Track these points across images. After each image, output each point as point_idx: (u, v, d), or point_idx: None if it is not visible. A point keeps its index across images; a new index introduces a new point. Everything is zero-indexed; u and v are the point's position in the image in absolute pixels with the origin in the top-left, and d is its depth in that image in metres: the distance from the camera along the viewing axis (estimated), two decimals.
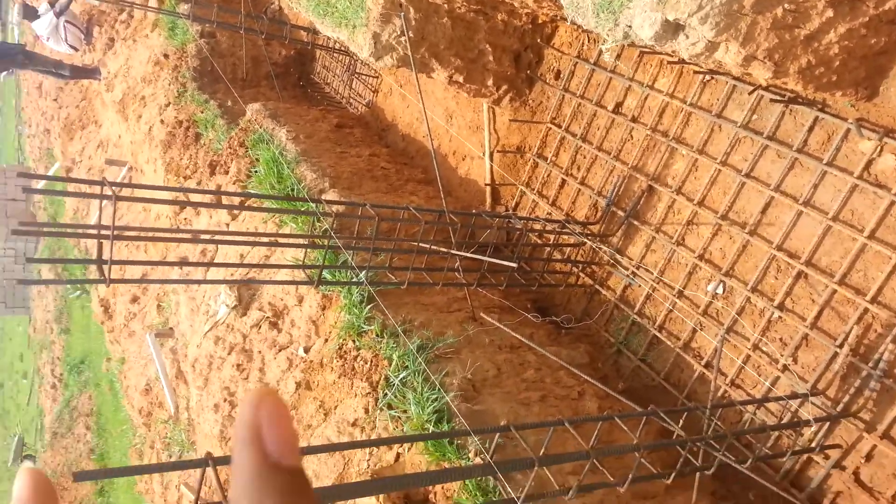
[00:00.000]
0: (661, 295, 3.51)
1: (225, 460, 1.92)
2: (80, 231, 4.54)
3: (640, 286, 3.62)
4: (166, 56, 8.30)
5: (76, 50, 10.42)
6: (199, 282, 4.50)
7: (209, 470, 1.97)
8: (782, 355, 3.01)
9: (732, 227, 3.25)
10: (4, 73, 11.94)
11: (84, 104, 11.55)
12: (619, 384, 3.52)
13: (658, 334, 3.51)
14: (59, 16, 9.67)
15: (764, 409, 3.01)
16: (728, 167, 3.29)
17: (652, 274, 3.54)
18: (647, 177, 3.62)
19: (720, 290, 3.29)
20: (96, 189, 2.82)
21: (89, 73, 10.21)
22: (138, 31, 9.45)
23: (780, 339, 3.07)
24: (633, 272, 3.65)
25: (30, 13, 10.04)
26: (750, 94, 3.19)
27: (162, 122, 7.81)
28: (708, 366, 3.30)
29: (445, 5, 4.20)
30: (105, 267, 2.76)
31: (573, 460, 2.66)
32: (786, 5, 2.34)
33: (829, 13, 2.37)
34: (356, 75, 6.60)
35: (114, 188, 2.69)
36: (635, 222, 3.67)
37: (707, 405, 2.54)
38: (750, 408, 2.97)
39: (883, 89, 2.73)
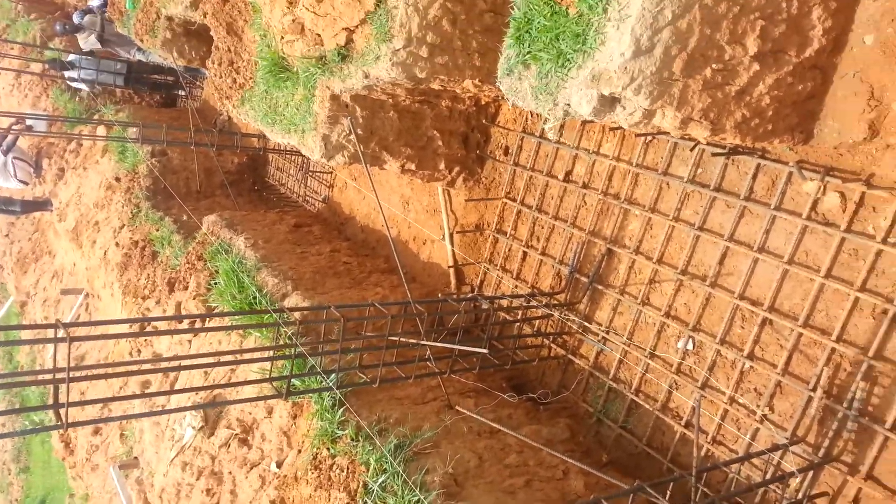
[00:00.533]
0: (633, 358, 3.54)
1: None
2: (31, 379, 4.42)
3: (611, 351, 3.65)
4: (118, 179, 8.47)
5: (26, 184, 10.58)
6: (164, 412, 4.43)
7: None
8: (758, 406, 3.03)
9: (693, 281, 3.34)
10: None
11: (36, 236, 11.61)
12: (603, 456, 3.48)
13: (635, 398, 3.52)
14: (7, 153, 9.88)
15: (748, 465, 3.00)
16: (681, 222, 3.42)
17: (622, 337, 3.59)
18: (605, 240, 3.74)
19: (690, 346, 3.34)
20: (49, 332, 2.82)
21: (40, 205, 10.34)
22: (88, 158, 9.67)
23: (755, 390, 3.11)
24: (603, 338, 3.69)
25: None
26: (691, 150, 3.37)
27: (117, 244, 7.87)
28: (688, 425, 3.30)
29: (390, 100, 4.42)
30: (62, 411, 2.73)
31: None
32: (714, 65, 2.51)
33: (756, 67, 2.55)
34: (310, 173, 6.80)
35: (67, 329, 2.69)
36: (599, 287, 3.75)
37: (692, 471, 2.53)
38: (734, 466, 2.96)
39: (817, 131, 2.90)
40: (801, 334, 2.94)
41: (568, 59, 2.58)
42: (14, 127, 9.30)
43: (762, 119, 2.81)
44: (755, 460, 2.97)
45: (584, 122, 3.91)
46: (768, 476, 2.85)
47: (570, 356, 3.89)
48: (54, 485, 10.65)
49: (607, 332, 3.69)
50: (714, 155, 3.25)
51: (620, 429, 3.58)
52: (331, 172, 6.49)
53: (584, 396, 3.80)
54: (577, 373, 3.85)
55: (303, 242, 5.79)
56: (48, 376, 2.90)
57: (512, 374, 4.10)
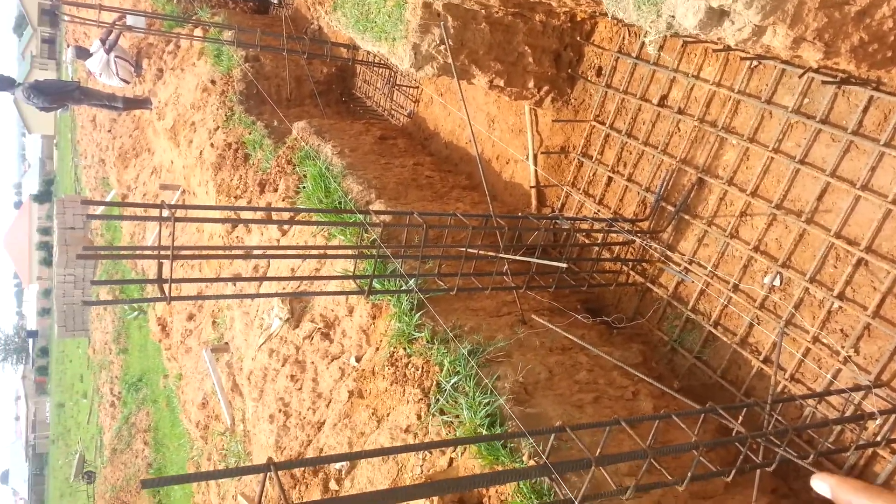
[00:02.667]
0: (715, 290, 3.46)
1: (285, 465, 1.99)
2: (140, 252, 4.78)
3: (693, 282, 3.58)
4: (213, 82, 8.65)
5: (127, 82, 10.96)
6: (253, 296, 4.66)
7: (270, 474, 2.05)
8: (843, 347, 2.93)
9: (788, 217, 3.19)
10: (61, 108, 12.66)
11: (137, 133, 12.11)
12: (675, 383, 3.47)
13: (713, 330, 3.46)
14: (110, 52, 10.21)
15: (825, 404, 2.93)
16: (781, 154, 3.24)
17: (705, 269, 3.50)
18: (697, 169, 3.59)
19: (777, 283, 3.22)
20: (154, 212, 2.99)
21: (141, 103, 10.73)
22: (185, 60, 9.88)
23: (841, 331, 2.99)
24: (685, 268, 3.61)
25: (83, 53, 10.64)
26: (800, 77, 3.14)
27: (212, 145, 8.13)
28: (766, 361, 3.23)
29: (483, 11, 4.27)
30: (166, 285, 2.91)
31: (630, 460, 2.65)
32: None
33: None
34: (397, 87, 6.75)
35: (171, 210, 2.84)
36: (686, 217, 3.64)
37: (767, 400, 2.50)
38: (811, 402, 2.90)
39: None
40: None
41: None
42: (116, 23, 9.57)
43: (882, 44, 2.58)
44: (834, 400, 2.90)
45: (686, 44, 3.69)
46: (847, 416, 2.79)
47: (648, 284, 3.84)
48: (150, 366, 11.54)
49: (690, 263, 3.60)
50: (824, 83, 3.02)
51: (695, 359, 3.55)
52: (417, 87, 6.43)
53: (660, 325, 3.76)
54: (654, 301, 3.80)
55: (387, 154, 5.82)
56: (153, 253, 3.11)
57: (587, 297, 4.09)
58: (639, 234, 3.73)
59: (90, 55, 10.40)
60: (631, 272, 3.92)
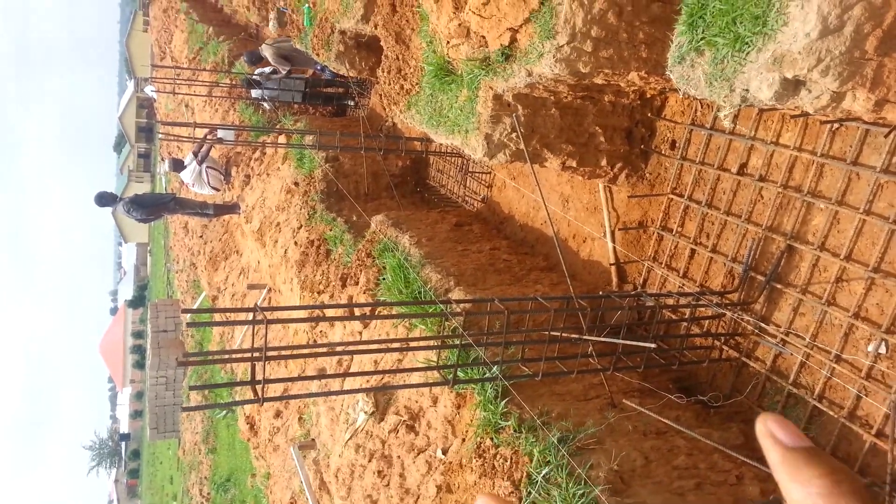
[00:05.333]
0: (816, 361, 3.33)
1: None
2: (234, 357, 5.09)
3: (792, 354, 3.45)
4: (296, 184, 9.30)
5: (218, 190, 11.90)
6: (338, 393, 4.82)
7: None
8: None
9: (887, 279, 3.08)
10: (157, 219, 13.82)
11: (226, 237, 12.98)
12: None
13: (818, 405, 3.30)
14: (202, 163, 11.19)
15: None
16: (873, 216, 3.17)
17: (804, 339, 3.38)
18: (785, 236, 3.55)
19: (882, 350, 3.08)
20: (247, 315, 3.24)
21: (230, 209, 11.58)
22: (270, 165, 10.69)
23: None
24: (782, 340, 3.50)
25: (178, 165, 11.72)
26: (886, 136, 3.11)
27: (296, 243, 8.64)
28: (880, 435, 3.04)
29: (552, 97, 4.49)
30: (259, 387, 3.11)
31: None
32: None
33: None
34: (469, 174, 7.04)
35: (263, 312, 3.08)
36: (778, 286, 3.56)
37: (885, 481, 2.36)
38: None
39: None
40: None
41: (746, 43, 2.52)
42: (208, 137, 10.53)
43: None
44: None
45: (761, 111, 3.74)
46: None
47: (743, 358, 3.73)
48: (238, 465, 11.83)
49: (787, 334, 3.50)
50: None
51: None
52: (489, 172, 6.69)
53: (760, 401, 3.62)
54: (751, 376, 3.68)
55: (463, 241, 6.02)
56: (247, 355, 3.33)
57: (679, 375, 4.00)
58: (729, 307, 3.67)
59: (184, 167, 11.42)
60: (724, 347, 3.83)
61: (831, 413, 3.26)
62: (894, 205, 3.08)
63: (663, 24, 3.61)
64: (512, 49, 4.00)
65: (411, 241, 6.05)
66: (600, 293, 4.28)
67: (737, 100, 2.79)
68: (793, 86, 2.54)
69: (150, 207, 11.56)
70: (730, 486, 3.06)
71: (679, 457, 3.29)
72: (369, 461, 4.87)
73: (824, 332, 3.35)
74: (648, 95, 4.53)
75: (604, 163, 4.66)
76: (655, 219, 4.39)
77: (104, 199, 10.82)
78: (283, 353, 5.04)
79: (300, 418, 6.75)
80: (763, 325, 3.56)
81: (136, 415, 49.12)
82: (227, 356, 6.36)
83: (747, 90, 2.66)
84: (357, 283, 6.61)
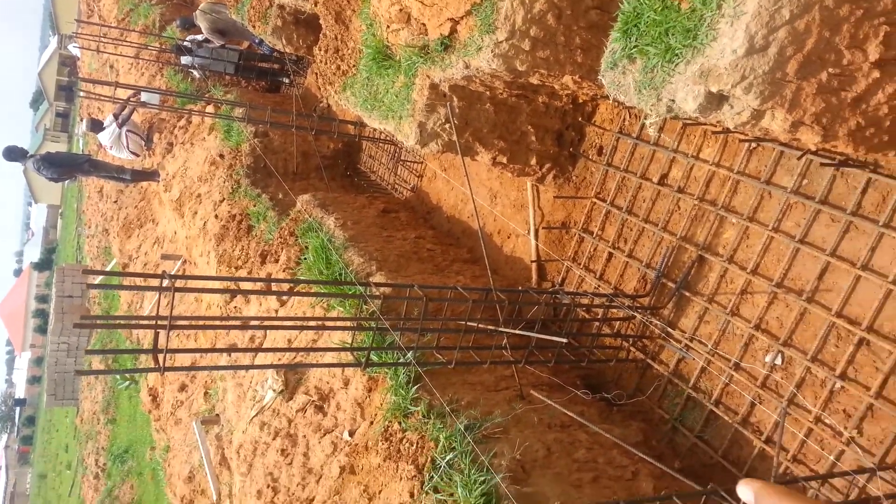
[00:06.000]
0: (716, 368, 3.43)
1: None
2: (136, 323, 4.80)
3: (693, 359, 3.55)
4: (222, 156, 8.90)
5: (137, 156, 11.28)
6: (248, 367, 4.62)
7: None
8: (846, 428, 2.88)
9: (789, 295, 3.21)
10: (69, 180, 12.96)
11: (142, 204, 12.34)
12: (676, 463, 3.39)
13: (715, 409, 3.41)
14: (122, 126, 10.56)
15: (829, 486, 2.85)
16: (781, 234, 3.29)
17: (706, 346, 3.48)
18: (697, 247, 3.64)
19: (779, 361, 3.20)
20: (154, 282, 3.02)
21: (149, 175, 11.00)
22: (196, 135, 10.21)
23: (844, 411, 2.95)
24: (686, 345, 3.60)
25: (96, 125, 11.02)
26: (799, 159, 3.23)
27: (216, 216, 8.27)
28: (768, 441, 3.17)
29: (488, 92, 4.45)
30: (160, 356, 2.91)
31: None
32: (830, 69, 2.40)
33: (876, 74, 2.41)
34: (401, 162, 6.93)
35: (171, 280, 2.87)
36: (687, 293, 3.65)
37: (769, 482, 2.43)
38: (814, 484, 2.82)
39: None
40: None
41: (676, 54, 2.53)
42: (131, 99, 9.94)
43: (878, 129, 2.66)
44: (838, 482, 2.83)
45: (685, 125, 3.82)
46: (851, 500, 2.71)
47: (648, 361, 3.81)
48: (137, 437, 11.31)
49: (691, 340, 3.59)
50: (823, 165, 3.11)
51: (696, 438, 3.48)
52: (421, 162, 6.60)
53: (661, 403, 3.71)
54: (654, 378, 3.77)
55: (389, 227, 5.91)
56: (150, 322, 3.11)
57: (587, 373, 4.05)
58: (639, 310, 3.74)
59: (103, 128, 10.76)
60: (631, 348, 3.90)
61: (726, 418, 3.37)
62: (800, 224, 3.21)
63: (600, 32, 3.63)
64: (451, 40, 3.93)
65: (337, 224, 5.89)
66: (519, 288, 4.28)
67: (663, 109, 2.81)
68: (716, 100, 2.57)
69: (63, 167, 10.83)
70: (626, 480, 3.11)
71: (580, 450, 3.32)
72: (273, 439, 4.70)
73: (726, 341, 3.46)
74: (581, 100, 4.57)
75: (533, 162, 4.67)
76: (578, 221, 4.43)
77: (13, 154, 10.08)
78: (192, 323, 4.79)
79: (206, 393, 6.46)
80: (669, 329, 3.65)
81: (35, 380, 46.27)
82: (129, 322, 5.99)
83: (673, 101, 2.69)
84: (277, 261, 6.39)
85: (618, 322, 3.94)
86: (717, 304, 3.52)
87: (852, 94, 2.50)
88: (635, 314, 3.70)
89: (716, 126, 3.56)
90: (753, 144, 3.41)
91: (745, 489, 0.84)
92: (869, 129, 2.67)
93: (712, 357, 3.45)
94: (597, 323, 4.03)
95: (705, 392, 3.50)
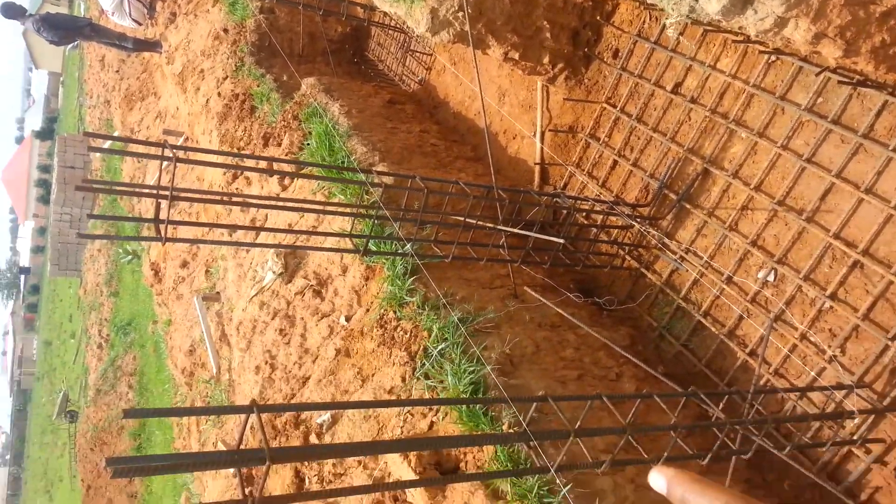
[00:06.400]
0: (708, 280, 3.47)
1: (269, 408, 1.99)
2: (138, 190, 4.77)
3: (687, 271, 3.59)
4: (226, 31, 8.54)
5: (139, 24, 10.81)
6: (248, 245, 4.64)
7: (252, 416, 2.07)
8: (830, 346, 2.95)
9: (789, 214, 3.19)
10: (70, 45, 12.48)
11: (144, 76, 11.97)
12: (660, 367, 3.50)
13: (703, 320, 3.48)
14: None
15: (807, 400, 2.96)
16: (789, 151, 3.22)
17: (701, 259, 3.51)
18: (703, 159, 3.58)
19: (771, 278, 3.23)
20: (157, 152, 2.96)
21: (151, 45, 10.60)
22: (200, 5, 9.74)
23: (829, 330, 3.01)
24: (681, 256, 3.62)
25: None
26: (817, 75, 3.12)
27: (219, 94, 8.05)
28: (752, 354, 3.26)
29: None
30: (162, 226, 2.89)
31: (609, 434, 2.67)
32: None
33: None
34: (410, 52, 6.68)
35: (174, 150, 2.82)
36: (687, 206, 3.63)
37: (749, 391, 2.52)
38: (793, 397, 2.93)
39: None
40: (891, 282, 2.80)
41: None
42: None
43: None
44: (816, 397, 2.93)
45: (706, 32, 3.65)
46: (827, 412, 2.82)
47: (642, 269, 3.84)
48: (140, 310, 11.56)
49: (686, 252, 3.61)
50: (840, 83, 3.00)
51: (682, 346, 3.57)
52: (430, 54, 6.36)
53: (650, 311, 3.78)
54: (646, 287, 3.81)
55: (394, 119, 5.78)
56: (152, 192, 3.08)
57: (581, 277, 4.09)
58: (638, 220, 3.73)
59: None
60: (627, 256, 3.92)
61: (713, 329, 3.45)
62: (810, 143, 3.14)
63: None
64: None
65: (341, 111, 5.75)
66: (521, 189, 4.24)
67: (685, 9, 2.68)
68: (741, 3, 2.45)
69: (64, 29, 10.41)
70: (609, 381, 3.22)
71: (567, 349, 3.41)
72: (272, 319, 4.81)
73: (721, 255, 3.47)
74: None
75: (546, 60, 4.49)
76: (586, 125, 4.33)
77: (10, 10, 9.65)
78: (193, 196, 4.76)
79: (207, 271, 6.55)
80: (666, 240, 3.65)
81: (38, 250, 46.71)
82: (130, 189, 5.97)
83: (696, 1, 2.56)
84: (280, 145, 6.28)
85: (616, 230, 3.94)
86: (716, 218, 3.51)
87: (882, 7, 2.38)
88: (634, 223, 3.70)
89: (737, 34, 3.41)
90: (773, 57, 3.28)
91: (657, 476, 0.80)
92: (893, 47, 2.56)
93: (706, 270, 3.48)
94: (595, 229, 4.03)
95: (695, 303, 3.56)
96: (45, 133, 47.32)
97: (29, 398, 44.39)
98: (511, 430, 2.92)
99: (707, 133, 3.61)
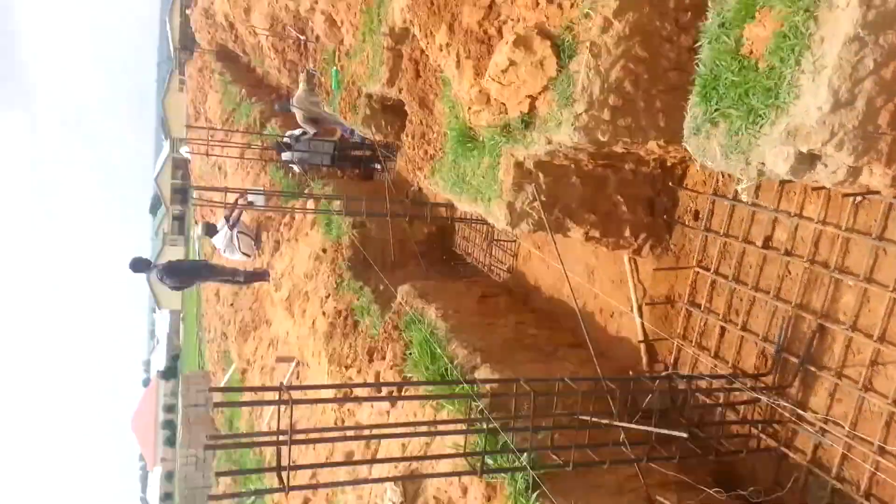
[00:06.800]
0: (858, 453, 3.24)
1: None
2: (260, 440, 5.23)
3: (832, 445, 3.37)
4: (324, 250, 9.53)
5: (249, 256, 12.26)
6: (368, 481, 4.84)
7: None
8: None
9: None
10: (188, 287, 14.22)
11: (256, 305, 13.27)
12: None
13: (865, 503, 3.20)
14: (233, 228, 11.57)
15: None
16: None
17: (843, 428, 3.31)
18: (815, 314, 3.51)
19: None
20: (274, 394, 3.31)
21: (260, 275, 11.90)
22: (300, 231, 10.98)
23: None
24: (821, 428, 3.43)
25: (210, 230, 12.15)
26: None
27: (323, 313, 8.81)
28: None
29: (573, 165, 4.56)
30: (284, 473, 3.14)
31: None
32: None
33: None
34: (495, 242, 7.13)
35: (289, 392, 3.14)
36: (812, 368, 3.50)
37: None
38: None
39: None
40: None
41: (759, 116, 2.54)
42: (239, 201, 10.95)
43: None
44: None
45: (783, 182, 3.75)
46: None
47: (783, 448, 3.64)
48: None
49: (825, 422, 3.43)
50: None
51: None
52: (515, 241, 6.77)
53: (804, 497, 3.52)
54: (793, 468, 3.58)
55: (489, 314, 6.07)
56: (272, 439, 3.38)
57: (718, 467, 3.90)
58: (764, 391, 3.62)
59: (217, 231, 11.83)
60: (762, 435, 3.75)
61: None
62: None
63: (681, 94, 3.64)
64: (531, 116, 4.09)
65: (437, 314, 6.11)
66: (630, 374, 4.26)
67: (754, 173, 2.81)
68: (808, 160, 2.54)
69: (183, 274, 12.00)
70: None
71: None
72: None
73: (864, 420, 3.27)
74: (669, 164, 4.58)
75: (627, 233, 4.70)
76: (683, 293, 4.39)
77: (139, 266, 11.25)
78: (310, 435, 5.12)
79: None
80: (800, 411, 3.50)
81: (167, 497, 48.86)
82: (252, 440, 6.49)
83: (763, 164, 2.68)
84: (384, 358, 6.69)
85: (742, 406, 3.83)
86: (847, 378, 3.35)
87: None
88: (760, 396, 3.59)
89: (815, 183, 3.48)
90: (859, 198, 3.30)
91: None
92: None
93: (852, 440, 3.28)
94: (719, 408, 3.93)
95: (852, 482, 3.30)
96: (169, 372, 51.63)
97: None
98: None
99: (812, 286, 3.57)
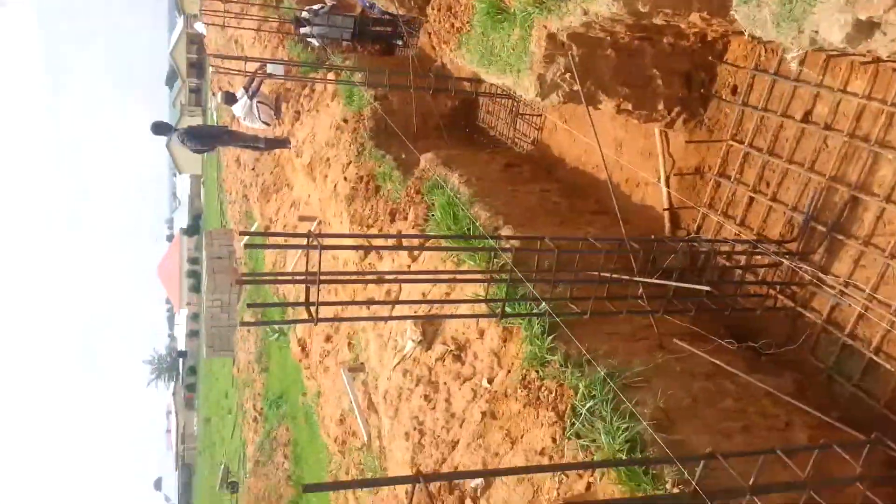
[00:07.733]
0: (875, 314, 3.17)
1: (434, 477, 2.02)
2: (289, 279, 5.16)
3: (850, 306, 3.30)
4: (345, 121, 9.15)
5: (268, 125, 11.83)
6: (388, 318, 4.81)
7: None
8: None
9: None
10: (210, 150, 13.86)
11: (277, 170, 12.99)
12: (833, 413, 3.20)
13: (875, 358, 3.16)
14: (252, 97, 11.07)
15: None
16: None
17: (864, 291, 3.22)
18: (850, 186, 3.34)
19: None
20: (301, 241, 3.23)
21: (281, 143, 11.53)
22: (320, 102, 10.53)
23: None
24: (841, 291, 3.35)
25: (230, 99, 11.62)
26: None
27: (345, 179, 8.57)
28: None
29: (608, 38, 4.23)
30: (313, 309, 3.11)
31: (787, 490, 2.47)
32: None
33: None
34: (519, 116, 6.82)
35: (319, 239, 3.06)
36: (839, 236, 3.38)
37: None
38: None
39: None
40: None
41: None
42: (258, 72, 10.39)
43: None
44: None
45: (829, 57, 3.47)
46: None
47: (799, 308, 3.58)
48: (290, 384, 12.17)
49: (846, 286, 3.34)
50: None
51: (855, 388, 3.25)
52: (540, 115, 6.47)
53: (814, 351, 3.49)
54: (806, 326, 3.54)
55: (513, 181, 5.87)
56: (302, 278, 3.32)
57: (731, 322, 3.86)
58: (787, 256, 3.51)
59: (236, 100, 11.35)
60: (779, 296, 3.68)
61: (888, 366, 3.13)
62: None
63: None
64: None
65: (461, 180, 5.91)
66: (653, 237, 4.13)
67: (805, 42, 2.58)
68: (867, 28, 2.33)
69: (205, 138, 11.61)
70: (778, 430, 2.99)
71: (727, 400, 3.22)
72: (416, 386, 4.91)
73: (885, 285, 3.18)
74: (710, 38, 4.25)
75: (661, 107, 4.44)
76: (713, 165, 4.19)
77: (160, 129, 10.85)
78: (337, 278, 5.05)
79: (349, 343, 6.84)
80: (822, 275, 3.40)
81: (193, 334, 50.71)
82: (281, 278, 6.43)
83: (817, 32, 2.45)
84: (406, 219, 6.54)
85: (762, 269, 3.73)
86: (874, 246, 3.23)
87: None
88: (782, 260, 3.48)
89: (865, 55, 3.21)
90: None
91: None
92: None
93: (870, 303, 3.20)
94: (738, 271, 3.83)
95: (864, 340, 3.26)
96: (192, 229, 51.98)
97: (193, 472, 47.38)
98: (677, 490, 2.77)
99: (849, 159, 3.38)
